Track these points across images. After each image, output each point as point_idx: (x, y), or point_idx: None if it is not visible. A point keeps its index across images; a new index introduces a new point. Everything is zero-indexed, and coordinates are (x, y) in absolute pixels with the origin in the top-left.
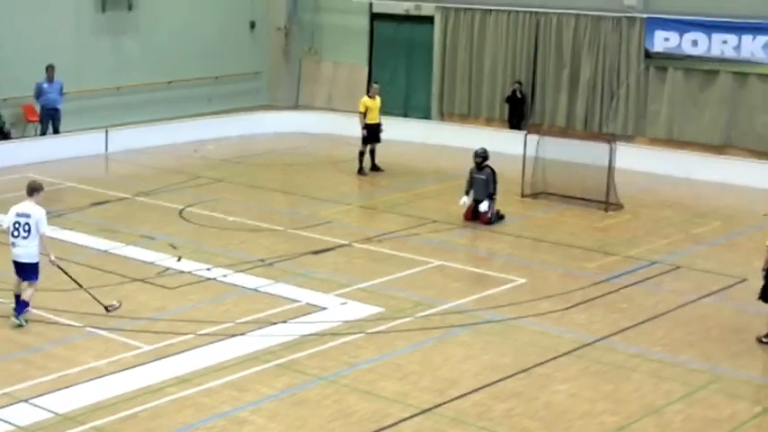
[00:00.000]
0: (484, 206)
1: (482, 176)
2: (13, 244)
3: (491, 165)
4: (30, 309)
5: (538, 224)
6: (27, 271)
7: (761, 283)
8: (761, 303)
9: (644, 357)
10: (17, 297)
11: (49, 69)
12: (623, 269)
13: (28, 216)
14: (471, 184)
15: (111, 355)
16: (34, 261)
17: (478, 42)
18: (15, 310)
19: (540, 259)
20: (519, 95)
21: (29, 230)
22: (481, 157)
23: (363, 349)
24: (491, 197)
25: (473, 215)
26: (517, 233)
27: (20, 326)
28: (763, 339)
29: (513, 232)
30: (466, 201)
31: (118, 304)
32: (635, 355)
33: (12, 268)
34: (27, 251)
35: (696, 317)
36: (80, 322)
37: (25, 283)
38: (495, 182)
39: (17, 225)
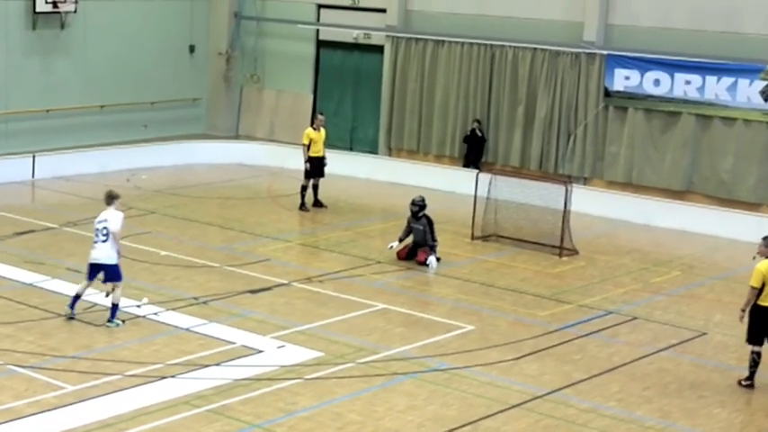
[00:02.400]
0: (432, 261)
1: (419, 226)
2: (93, 247)
3: (428, 213)
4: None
5: (488, 268)
6: (109, 273)
7: (720, 337)
8: (721, 358)
9: (597, 412)
10: (76, 298)
11: None
12: (577, 318)
13: (105, 221)
14: (409, 232)
15: (32, 396)
16: (113, 263)
17: (430, 74)
18: (74, 305)
19: (489, 305)
20: (479, 134)
21: (107, 234)
22: (418, 206)
23: (301, 396)
24: (433, 249)
25: (408, 255)
26: (466, 277)
27: (117, 326)
28: (743, 383)
29: (461, 276)
30: (394, 245)
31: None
32: (588, 409)
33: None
34: (106, 253)
35: (653, 371)
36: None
37: (110, 286)
38: (432, 231)
39: (97, 231)
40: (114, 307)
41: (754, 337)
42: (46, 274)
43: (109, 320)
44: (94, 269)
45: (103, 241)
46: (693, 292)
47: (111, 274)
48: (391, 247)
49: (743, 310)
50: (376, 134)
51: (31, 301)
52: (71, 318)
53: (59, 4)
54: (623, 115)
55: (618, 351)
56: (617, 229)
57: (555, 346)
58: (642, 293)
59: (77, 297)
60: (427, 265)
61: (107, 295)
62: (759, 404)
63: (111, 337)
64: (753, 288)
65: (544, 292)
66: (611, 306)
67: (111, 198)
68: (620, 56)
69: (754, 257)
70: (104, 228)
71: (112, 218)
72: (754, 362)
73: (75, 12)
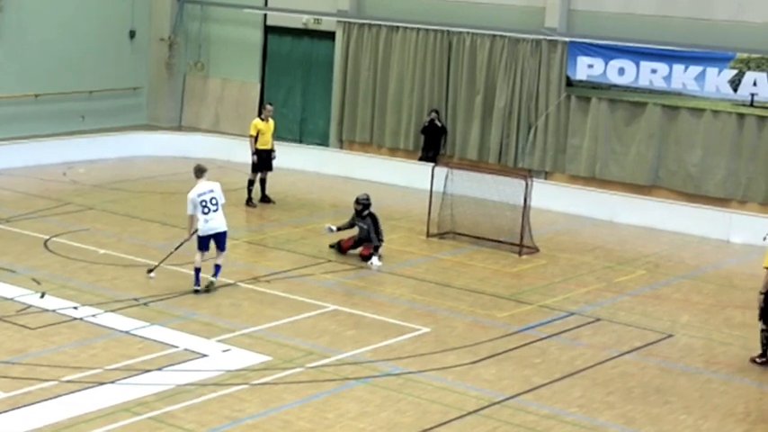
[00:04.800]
0: (375, 261)
1: (364, 225)
2: (207, 220)
3: (374, 211)
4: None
5: (444, 267)
6: (223, 240)
7: (687, 339)
8: (688, 361)
9: (558, 419)
10: (198, 270)
11: None
12: (537, 320)
13: (212, 191)
14: (351, 226)
15: None
16: (227, 230)
17: (384, 63)
18: (198, 280)
19: (445, 306)
20: (438, 124)
21: (216, 203)
22: (362, 204)
23: (247, 402)
24: (377, 249)
25: (353, 246)
26: (421, 276)
27: (212, 283)
28: (757, 360)
29: (416, 275)
30: (333, 229)
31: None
32: (548, 416)
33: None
34: (221, 221)
35: (616, 375)
36: None
37: (221, 252)
38: (378, 230)
39: (204, 203)
40: (219, 267)
41: (765, 316)
42: None
43: (213, 276)
44: (208, 240)
45: (215, 210)
46: (659, 292)
47: (224, 240)
48: (330, 229)
49: (761, 293)
50: (327, 126)
51: None
52: (197, 291)
53: None
54: (586, 106)
55: (580, 354)
56: (579, 226)
57: (514, 349)
58: (606, 293)
59: (199, 270)
60: (368, 262)
61: (42, 296)
62: (727, 409)
63: (46, 341)
64: (766, 269)
65: (503, 293)
66: (573, 307)
67: (201, 171)
68: (583, 43)
69: (765, 238)
70: (213, 198)
71: (217, 188)
72: (766, 339)
73: None
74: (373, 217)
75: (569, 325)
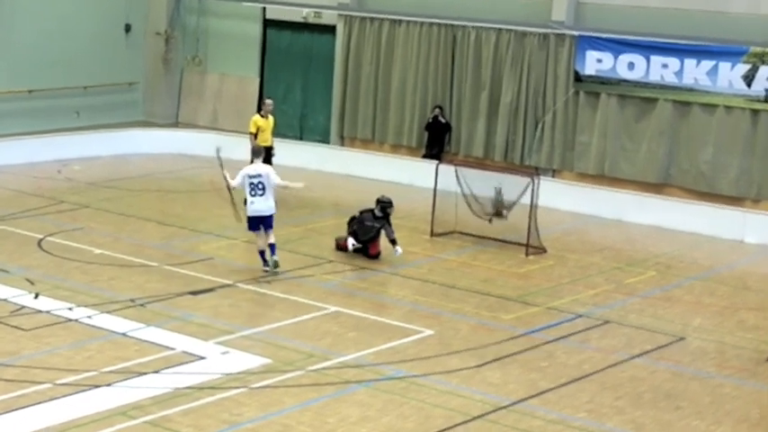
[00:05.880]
0: (399, 249)
1: (377, 225)
2: (252, 202)
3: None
4: None
5: (448, 267)
6: (270, 221)
7: (699, 343)
8: (699, 365)
9: (565, 424)
10: (262, 252)
11: None
12: (545, 322)
13: (260, 175)
14: (359, 227)
15: None
16: (273, 212)
17: (386, 57)
18: (265, 261)
19: (450, 308)
20: (442, 120)
21: (263, 188)
22: (387, 205)
23: (246, 406)
24: (395, 242)
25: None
26: (425, 277)
27: (276, 263)
28: None
29: (419, 276)
30: (356, 245)
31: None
32: (555, 421)
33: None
34: (268, 204)
35: (626, 379)
36: None
37: (269, 231)
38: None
39: (252, 185)
40: (274, 245)
41: None
42: None
43: (272, 255)
44: (256, 221)
45: (260, 194)
46: (670, 294)
47: (271, 222)
48: (354, 246)
49: None
50: (328, 122)
51: None
52: (266, 272)
53: None
54: (595, 102)
55: (588, 358)
56: (588, 225)
57: (520, 352)
58: (615, 295)
59: (263, 252)
60: (395, 250)
61: (35, 297)
62: (740, 415)
63: (40, 343)
64: None
65: (509, 294)
66: (581, 309)
67: (256, 153)
68: (592, 37)
69: None
70: (260, 182)
71: (269, 171)
72: None
73: None
74: (389, 221)
75: (577, 328)
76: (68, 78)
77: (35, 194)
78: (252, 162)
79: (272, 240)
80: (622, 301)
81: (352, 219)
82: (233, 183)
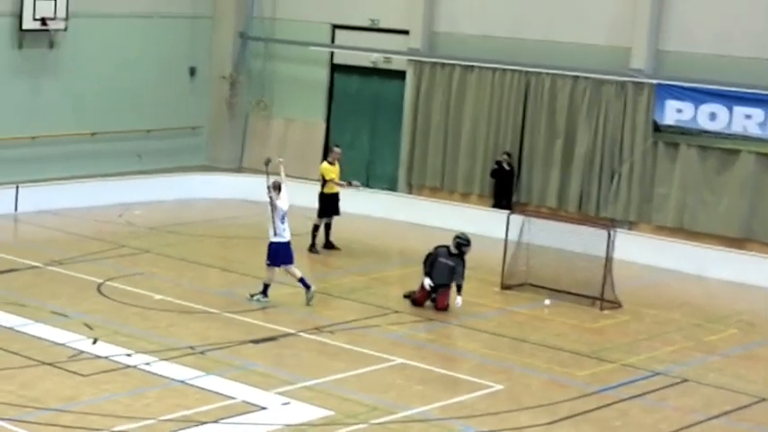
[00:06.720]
0: (460, 301)
1: (450, 263)
2: (285, 229)
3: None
4: None
5: (519, 321)
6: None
7: None
8: None
9: None
10: (303, 279)
11: None
12: (619, 379)
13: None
14: (432, 266)
15: None
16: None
17: (457, 104)
18: (307, 287)
19: (520, 362)
20: (507, 168)
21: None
22: (464, 242)
23: None
24: (461, 288)
25: (427, 297)
26: (494, 330)
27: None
28: None
29: (489, 329)
30: (431, 282)
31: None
32: None
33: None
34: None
35: None
36: None
37: (291, 267)
38: (463, 272)
39: (285, 215)
40: (302, 279)
41: None
42: (28, 317)
43: (307, 289)
44: (287, 249)
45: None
46: (752, 353)
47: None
48: (430, 285)
49: None
50: (395, 169)
51: (11, 347)
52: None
53: (48, 22)
54: (674, 153)
55: (665, 417)
56: (666, 280)
57: (594, 410)
58: (694, 353)
59: (303, 279)
60: (456, 301)
61: (94, 342)
62: None
63: (98, 389)
64: None
65: (583, 349)
66: (658, 366)
67: (278, 186)
68: (672, 86)
69: None
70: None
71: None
72: None
73: (65, 30)
74: (463, 260)
75: (654, 386)
76: (132, 121)
77: (96, 238)
78: (277, 192)
79: (298, 274)
80: (702, 359)
81: (428, 256)
82: (271, 196)
